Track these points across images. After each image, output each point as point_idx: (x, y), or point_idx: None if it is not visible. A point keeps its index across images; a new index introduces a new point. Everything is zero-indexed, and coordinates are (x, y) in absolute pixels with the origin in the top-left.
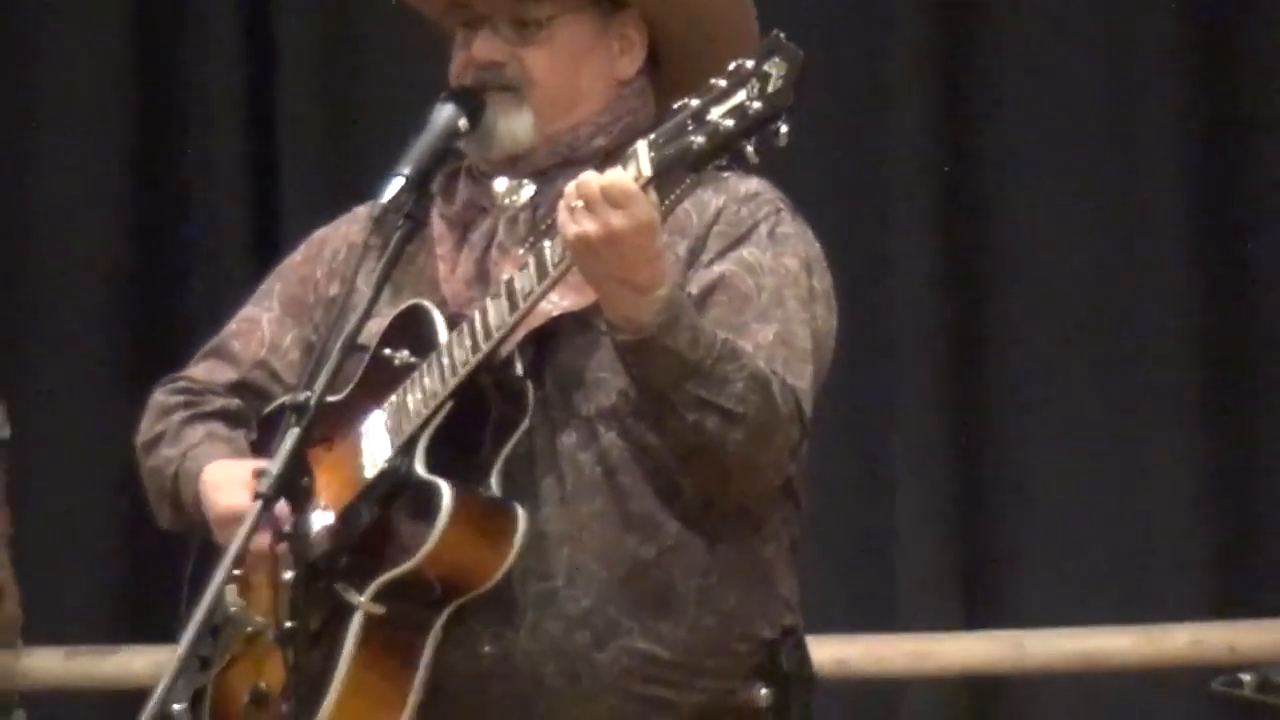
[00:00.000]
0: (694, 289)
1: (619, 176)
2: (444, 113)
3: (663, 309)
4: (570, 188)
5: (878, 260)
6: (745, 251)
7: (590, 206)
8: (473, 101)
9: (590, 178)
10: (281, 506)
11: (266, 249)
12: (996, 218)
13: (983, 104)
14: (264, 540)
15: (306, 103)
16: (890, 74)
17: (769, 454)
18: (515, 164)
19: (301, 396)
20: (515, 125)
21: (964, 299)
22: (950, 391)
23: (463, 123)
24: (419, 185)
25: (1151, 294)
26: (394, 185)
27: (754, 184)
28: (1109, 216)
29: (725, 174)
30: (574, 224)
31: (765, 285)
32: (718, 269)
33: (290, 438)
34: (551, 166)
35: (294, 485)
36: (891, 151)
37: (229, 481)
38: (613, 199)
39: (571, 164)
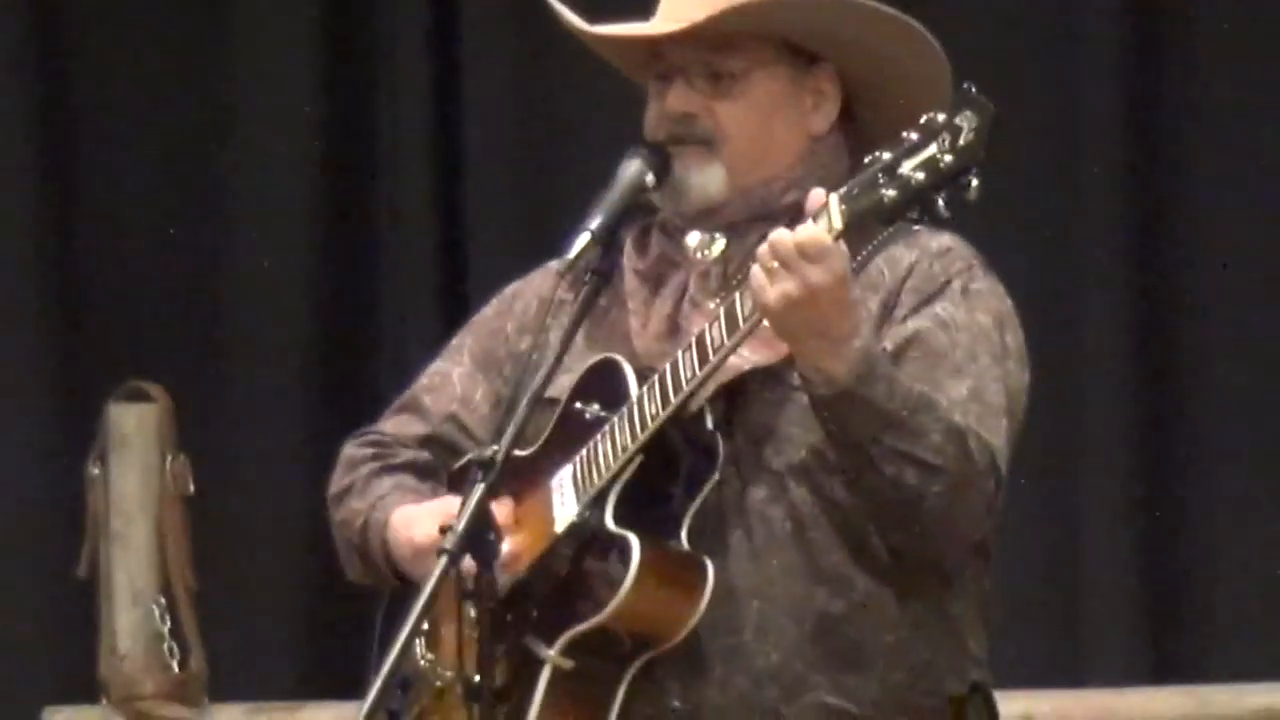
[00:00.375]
0: (888, 345)
1: (812, 231)
2: (630, 168)
3: (859, 360)
4: (763, 248)
5: (1069, 314)
6: (939, 308)
7: (787, 265)
8: (659, 157)
9: (783, 235)
10: (468, 562)
11: (453, 308)
12: (1189, 267)
13: (1174, 157)
14: (452, 594)
15: (495, 159)
16: (1080, 129)
17: (966, 508)
18: (708, 217)
19: (488, 452)
20: (707, 179)
21: (1155, 352)
22: (1138, 446)
23: (649, 178)
24: (605, 240)
25: None
26: (580, 241)
27: (946, 239)
28: None
29: (917, 229)
30: (772, 285)
31: (959, 341)
32: (911, 325)
33: (476, 492)
34: (743, 221)
35: (480, 540)
36: (1082, 207)
37: (419, 516)
38: (808, 254)
39: (764, 219)
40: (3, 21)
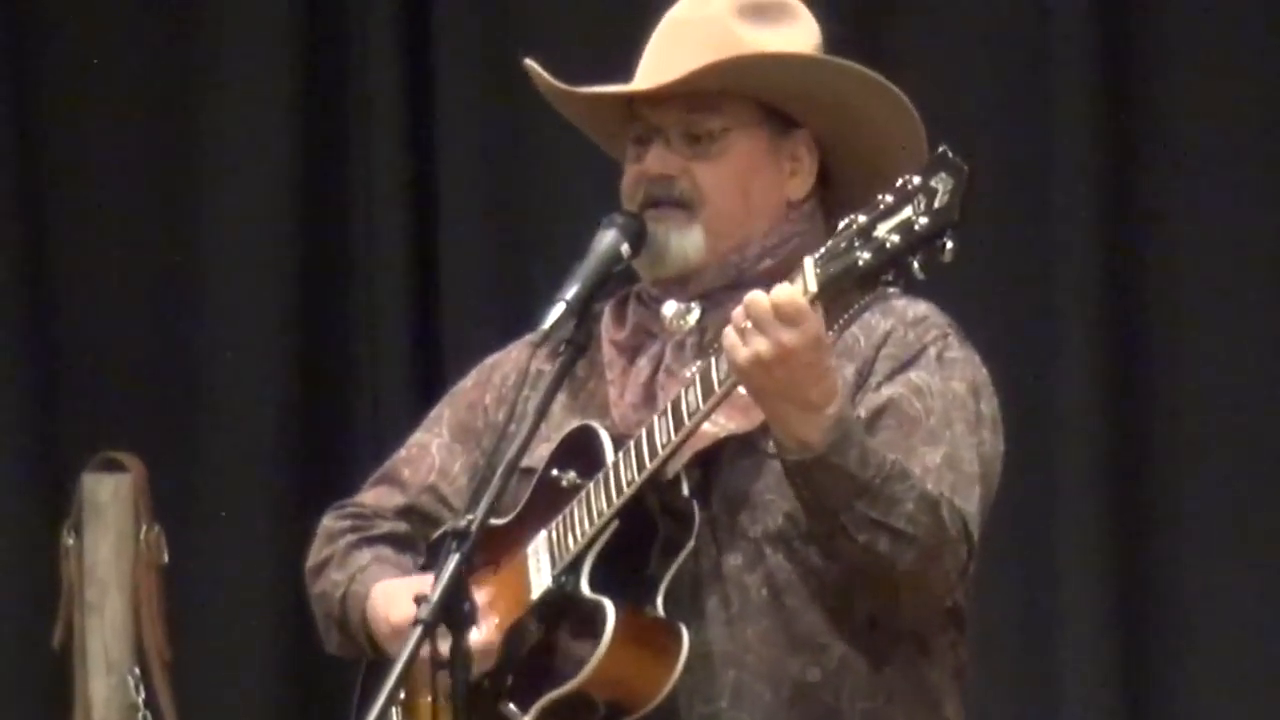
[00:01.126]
0: (862, 412)
1: (789, 292)
2: (606, 238)
3: (833, 428)
4: (738, 309)
5: (1042, 372)
6: (913, 375)
7: (760, 326)
8: (634, 226)
9: (759, 296)
10: (442, 631)
11: (429, 379)
12: (1160, 330)
13: (1148, 216)
14: (427, 661)
15: (470, 223)
16: (1054, 190)
17: (938, 574)
18: (684, 285)
19: (463, 522)
20: (687, 242)
21: (1126, 412)
22: (1112, 508)
23: (625, 248)
24: (580, 311)
25: None
26: (555, 312)
27: (922, 308)
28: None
29: (892, 294)
30: (745, 345)
31: (933, 409)
32: (886, 392)
33: (451, 562)
34: (719, 289)
35: (455, 610)
36: (1056, 269)
37: (398, 594)
38: (784, 316)
39: (738, 287)
40: None
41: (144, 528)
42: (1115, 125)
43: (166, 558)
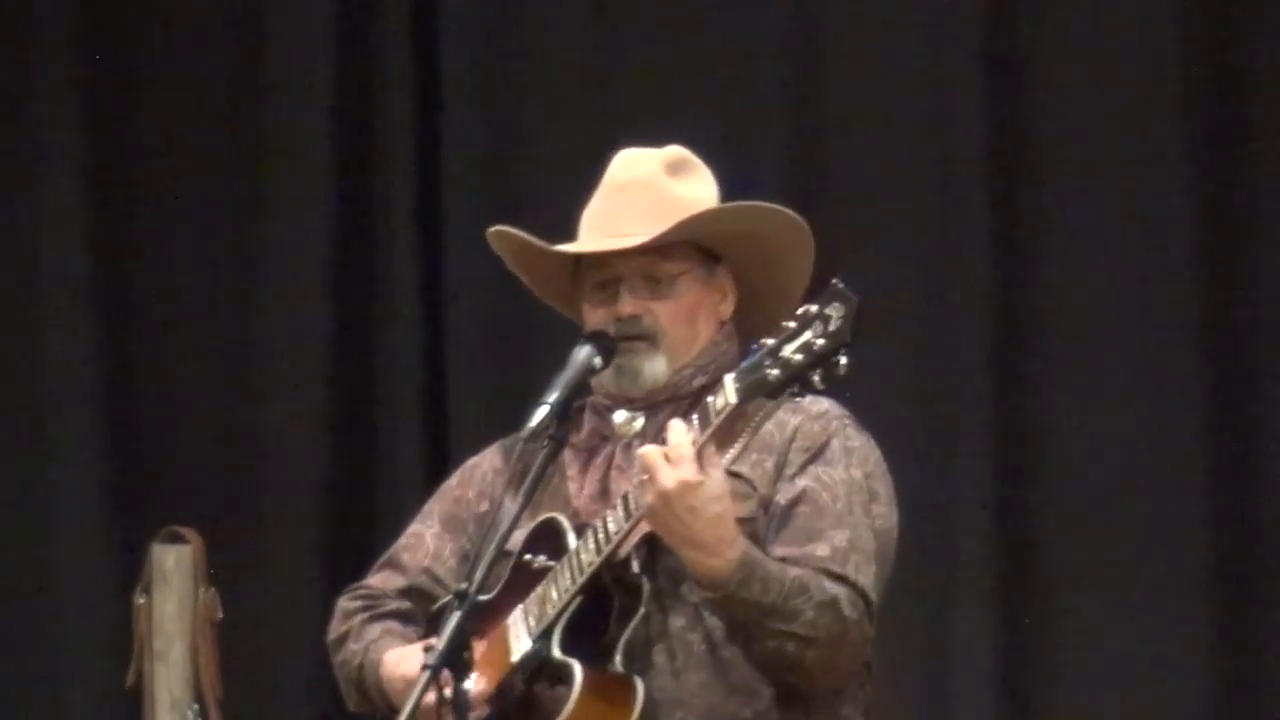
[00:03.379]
0: (781, 500)
1: (677, 439)
2: (582, 353)
3: (737, 568)
4: (637, 461)
5: (939, 450)
6: (821, 469)
7: (652, 476)
8: (605, 344)
9: (649, 450)
10: (446, 675)
11: (436, 467)
12: (1045, 418)
13: (1035, 321)
14: (434, 706)
15: (473, 335)
16: (952, 293)
17: (844, 658)
18: (631, 399)
19: (462, 586)
20: (655, 368)
21: (1015, 477)
22: (1002, 569)
23: (597, 361)
24: (561, 412)
25: (1170, 470)
26: (540, 413)
27: (824, 404)
28: (1137, 419)
29: (800, 398)
30: (644, 496)
31: (839, 496)
32: (800, 483)
33: (454, 618)
34: (660, 401)
35: (457, 658)
36: (952, 364)
37: (407, 655)
38: (672, 459)
39: (676, 400)
40: (70, 213)
41: (202, 590)
42: (1009, 209)
43: (221, 614)
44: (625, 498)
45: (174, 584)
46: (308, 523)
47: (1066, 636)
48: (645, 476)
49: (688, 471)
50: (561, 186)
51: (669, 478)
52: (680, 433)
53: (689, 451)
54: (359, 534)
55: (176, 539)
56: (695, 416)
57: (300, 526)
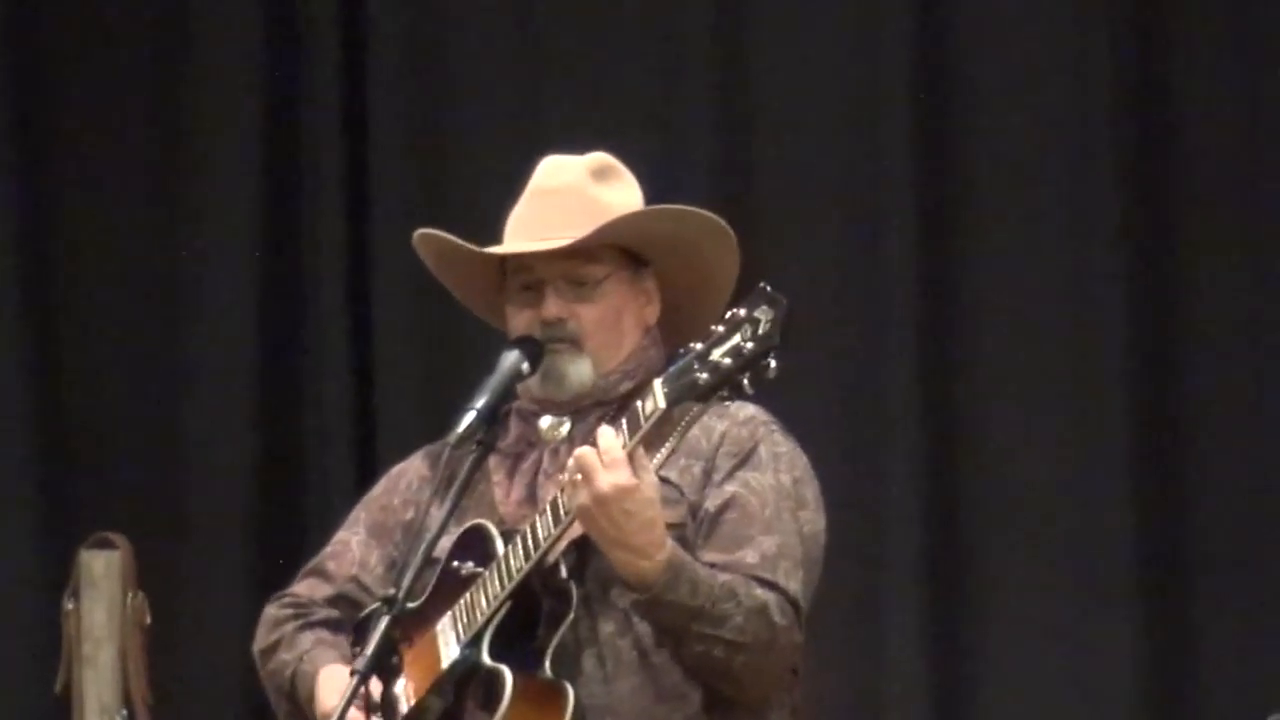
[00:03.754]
0: (710, 506)
1: (608, 444)
2: (509, 358)
3: (664, 569)
4: (571, 462)
5: (870, 455)
6: (750, 475)
7: (586, 477)
8: (532, 349)
9: (585, 451)
10: (374, 683)
11: (364, 474)
12: (974, 402)
13: (962, 323)
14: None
15: (400, 340)
16: (878, 308)
17: (772, 664)
18: (557, 404)
19: (390, 591)
20: (580, 370)
21: (942, 474)
22: (931, 572)
23: (525, 366)
24: (488, 417)
25: (1099, 470)
26: (467, 418)
27: (750, 409)
28: (1065, 421)
29: (727, 403)
30: (576, 497)
31: (767, 502)
32: (729, 489)
33: (382, 623)
34: (586, 405)
35: (385, 663)
36: (879, 367)
37: (337, 683)
38: (606, 463)
39: (602, 404)
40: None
41: (130, 595)
42: (938, 238)
43: (150, 620)
44: (554, 502)
45: (103, 589)
46: (235, 528)
47: (997, 640)
48: (578, 477)
49: (622, 475)
50: (488, 193)
51: (604, 481)
52: (609, 437)
53: (621, 455)
54: (287, 540)
55: (105, 544)
56: (624, 421)
57: (228, 532)
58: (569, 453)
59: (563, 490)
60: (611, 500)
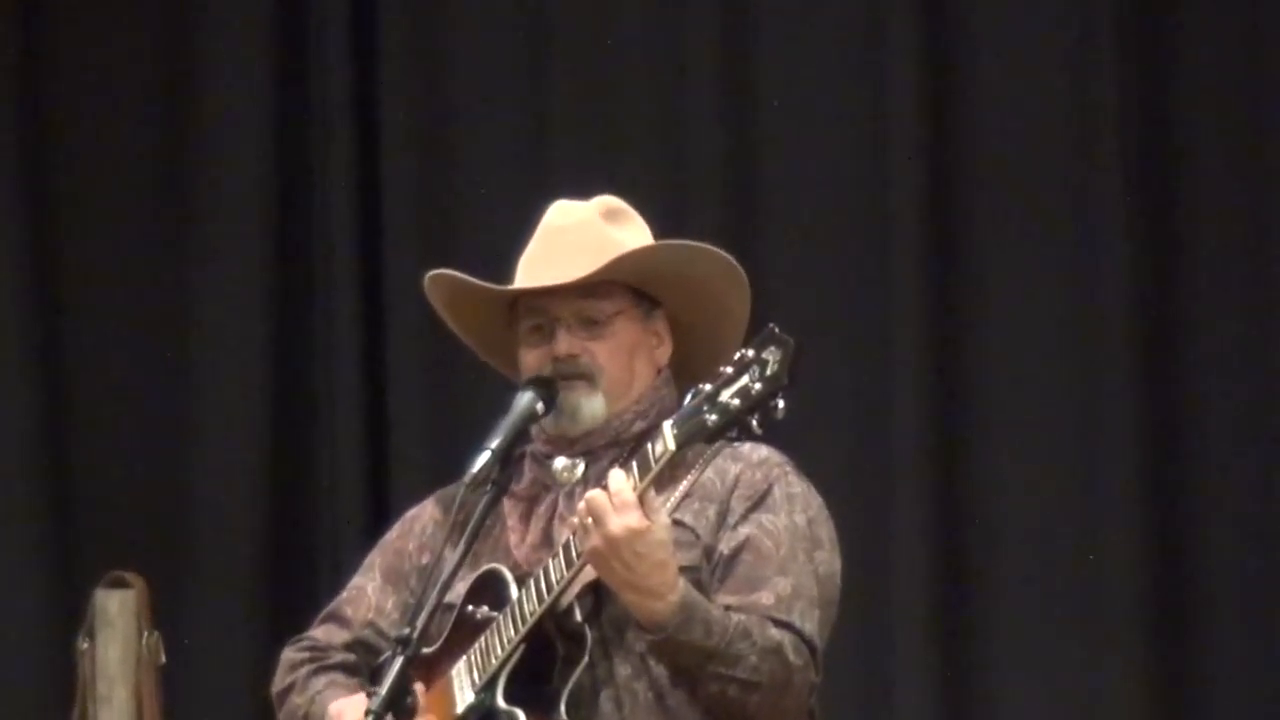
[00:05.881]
0: (725, 548)
1: (619, 486)
2: (524, 399)
3: (677, 610)
4: (582, 506)
5: (879, 500)
6: (764, 517)
7: (596, 520)
8: (546, 389)
9: (596, 494)
10: None
11: (378, 517)
12: (983, 441)
13: (971, 362)
14: None
15: (415, 382)
16: (887, 347)
17: (788, 704)
18: (571, 444)
19: (404, 632)
20: (594, 406)
21: (953, 513)
22: (944, 612)
23: (539, 406)
24: (503, 458)
25: (1108, 509)
26: (481, 459)
27: (764, 451)
28: (1074, 458)
29: (741, 444)
30: (587, 540)
31: (782, 543)
32: (743, 531)
33: (396, 663)
34: (599, 446)
35: (400, 703)
36: (889, 407)
37: (350, 706)
38: (616, 505)
39: (615, 445)
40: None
41: (145, 634)
42: (943, 282)
43: (164, 659)
44: (567, 545)
45: (118, 628)
46: (249, 568)
47: (1008, 679)
48: (589, 520)
49: (633, 518)
50: (498, 237)
51: (615, 524)
52: (620, 480)
53: (632, 498)
54: (300, 579)
55: (120, 584)
56: (635, 463)
57: (242, 571)
58: (584, 495)
59: (575, 533)
60: (623, 543)
